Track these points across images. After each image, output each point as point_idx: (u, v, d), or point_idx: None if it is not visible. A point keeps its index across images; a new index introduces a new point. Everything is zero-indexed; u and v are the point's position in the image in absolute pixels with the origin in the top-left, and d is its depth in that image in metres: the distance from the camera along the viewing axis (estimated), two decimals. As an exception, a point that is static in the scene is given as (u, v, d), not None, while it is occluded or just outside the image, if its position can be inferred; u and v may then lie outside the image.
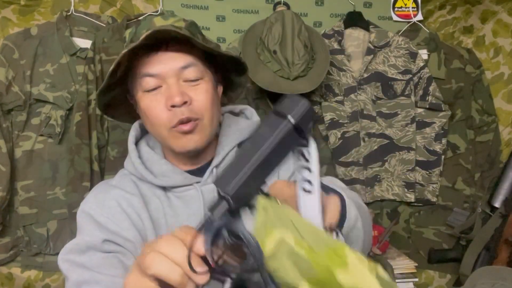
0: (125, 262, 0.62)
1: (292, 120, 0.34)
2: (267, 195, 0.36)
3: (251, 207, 0.36)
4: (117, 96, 0.71)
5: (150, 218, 0.66)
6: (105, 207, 0.67)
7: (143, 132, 0.77)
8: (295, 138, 0.35)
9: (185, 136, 0.65)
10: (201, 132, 0.66)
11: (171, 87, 0.63)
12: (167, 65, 0.63)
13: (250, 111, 0.81)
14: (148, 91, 0.64)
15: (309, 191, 0.37)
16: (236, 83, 0.80)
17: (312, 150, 0.36)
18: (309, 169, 0.37)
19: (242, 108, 0.83)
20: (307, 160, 0.37)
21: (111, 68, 0.62)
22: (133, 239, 0.64)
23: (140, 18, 1.36)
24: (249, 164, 0.33)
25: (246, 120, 0.78)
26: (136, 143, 0.75)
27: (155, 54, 0.63)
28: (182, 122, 0.63)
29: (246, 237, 0.33)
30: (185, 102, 0.63)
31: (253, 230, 0.34)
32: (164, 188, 0.70)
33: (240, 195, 0.34)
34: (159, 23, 0.66)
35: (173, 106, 0.62)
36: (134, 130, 0.75)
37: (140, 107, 0.67)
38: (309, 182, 0.37)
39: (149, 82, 0.63)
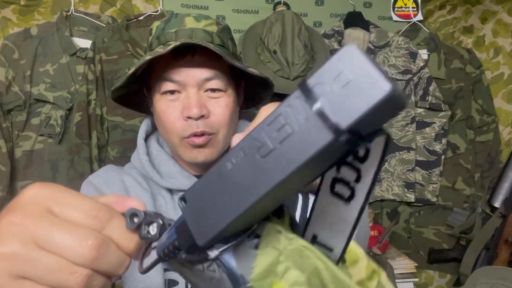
0: None
1: (344, 134, 0.16)
2: (280, 212, 0.24)
3: (251, 234, 0.23)
4: (133, 89, 0.70)
5: None
6: (113, 186, 0.65)
7: (154, 127, 0.75)
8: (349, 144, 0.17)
9: (196, 149, 0.63)
10: (213, 146, 0.64)
11: (191, 97, 0.60)
12: (191, 74, 0.61)
13: None
14: (166, 95, 0.62)
15: (345, 199, 0.22)
16: (258, 97, 0.77)
17: (375, 149, 0.19)
18: (359, 173, 0.20)
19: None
20: (359, 160, 0.20)
21: (132, 70, 0.60)
22: None
23: (140, 18, 1.37)
24: (246, 205, 0.18)
25: None
26: (146, 139, 0.73)
27: (180, 60, 0.60)
28: (196, 134, 0.61)
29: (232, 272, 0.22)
30: (202, 116, 0.60)
31: (252, 270, 0.22)
32: (170, 191, 0.68)
33: (229, 233, 0.22)
34: (190, 24, 0.63)
35: (189, 117, 0.60)
36: (145, 125, 0.73)
37: (155, 108, 0.65)
38: (352, 191, 0.21)
39: (168, 87, 0.61)
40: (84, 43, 1.34)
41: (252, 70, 0.66)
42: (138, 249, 0.25)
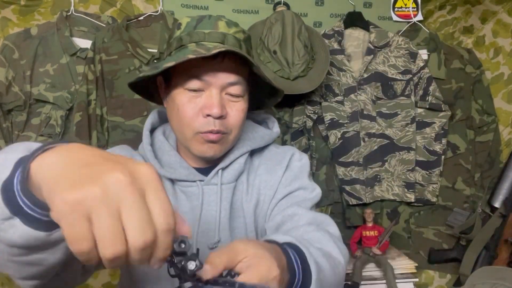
0: None
1: None
2: None
3: None
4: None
5: None
6: None
7: (161, 120, 0.79)
8: None
9: (208, 144, 0.67)
10: (223, 144, 0.69)
11: (214, 97, 0.65)
12: (218, 76, 0.65)
13: (272, 121, 0.82)
14: (190, 91, 0.66)
15: None
16: (263, 104, 0.82)
17: None
18: None
19: (265, 117, 0.83)
20: None
21: (172, 63, 0.61)
22: None
23: (140, 18, 1.37)
24: None
25: (265, 130, 0.79)
26: (153, 131, 0.77)
27: (211, 61, 0.64)
28: (211, 132, 0.65)
29: None
30: (221, 116, 0.65)
31: None
32: (172, 181, 0.72)
33: None
34: (222, 28, 0.67)
35: (208, 115, 0.64)
36: (151, 117, 0.77)
37: (174, 100, 0.68)
38: None
39: (195, 84, 0.65)
40: (84, 43, 1.34)
41: (275, 84, 0.71)
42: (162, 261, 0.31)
